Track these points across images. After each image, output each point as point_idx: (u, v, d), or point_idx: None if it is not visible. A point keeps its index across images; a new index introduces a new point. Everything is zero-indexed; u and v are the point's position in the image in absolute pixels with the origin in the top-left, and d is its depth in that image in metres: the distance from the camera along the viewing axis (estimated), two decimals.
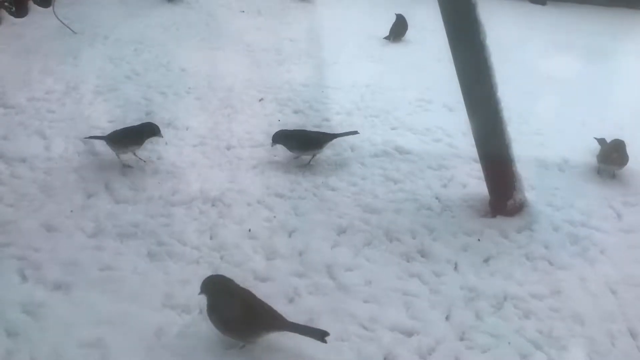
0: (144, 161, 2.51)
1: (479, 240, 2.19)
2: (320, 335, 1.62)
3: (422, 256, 2.11)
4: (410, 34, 4.71)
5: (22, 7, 4.20)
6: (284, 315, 1.67)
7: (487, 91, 2.07)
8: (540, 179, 2.61)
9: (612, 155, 2.65)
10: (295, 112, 3.20)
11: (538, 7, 6.32)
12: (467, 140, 2.43)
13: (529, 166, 2.64)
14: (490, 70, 2.04)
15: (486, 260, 2.10)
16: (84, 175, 2.42)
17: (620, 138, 2.78)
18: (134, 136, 2.47)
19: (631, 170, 2.75)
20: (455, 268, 2.06)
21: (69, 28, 3.94)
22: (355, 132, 2.75)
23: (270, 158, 2.69)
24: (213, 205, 2.28)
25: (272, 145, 2.62)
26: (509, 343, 1.78)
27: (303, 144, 2.62)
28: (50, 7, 4.10)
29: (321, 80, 3.67)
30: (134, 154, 2.51)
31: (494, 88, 2.08)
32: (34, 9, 4.26)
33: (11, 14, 4.11)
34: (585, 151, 2.90)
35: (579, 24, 5.71)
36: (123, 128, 2.55)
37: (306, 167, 2.62)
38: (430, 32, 4.09)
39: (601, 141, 2.83)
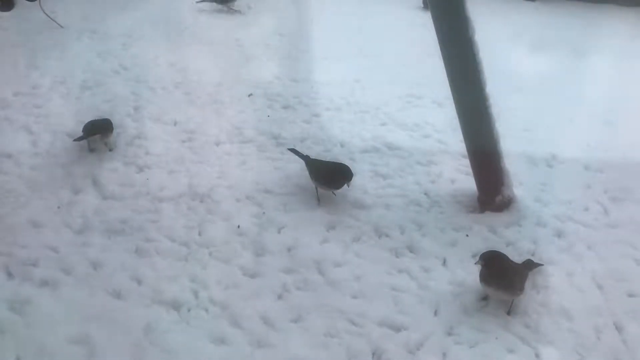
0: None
1: (467, 235, 2.20)
2: None
3: (411, 251, 2.11)
4: (401, 29, 4.72)
5: (9, 0, 4.14)
6: None
7: (476, 87, 2.07)
8: (528, 175, 2.62)
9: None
10: (285, 107, 3.19)
11: (528, 3, 6.34)
12: (456, 135, 2.43)
13: (518, 162, 2.65)
14: (479, 66, 2.04)
15: (474, 256, 2.10)
16: (71, 171, 2.40)
17: None
18: None
19: (618, 165, 2.77)
20: (444, 263, 2.07)
21: (56, 22, 3.90)
22: None
23: (260, 154, 2.68)
24: (201, 201, 2.27)
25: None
26: (497, 338, 1.79)
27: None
28: (37, 1, 4.04)
29: (311, 76, 3.66)
30: None
31: (483, 84, 2.08)
32: (21, 2, 4.19)
33: None
34: (573, 147, 2.92)
35: (568, 20, 5.73)
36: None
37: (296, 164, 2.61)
38: (420, 26, 4.07)
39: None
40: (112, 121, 2.65)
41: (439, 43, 2.06)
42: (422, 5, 5.46)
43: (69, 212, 2.15)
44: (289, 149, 2.57)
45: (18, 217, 2.10)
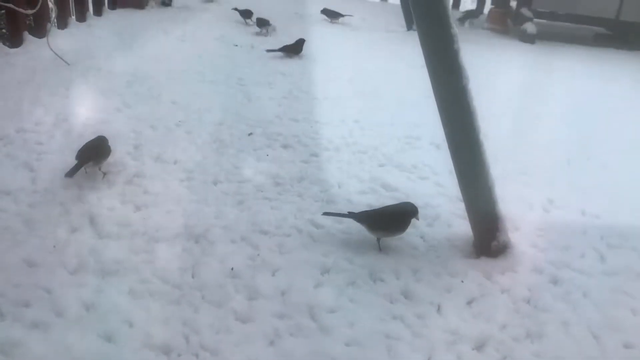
0: None
1: (462, 281, 2.19)
2: None
3: (406, 297, 2.10)
4: (400, 70, 4.80)
5: (17, 37, 4.24)
6: None
7: (470, 135, 2.09)
8: (524, 220, 2.63)
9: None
10: (284, 146, 3.23)
11: (527, 45, 6.47)
12: (453, 178, 2.44)
13: (514, 206, 2.66)
14: (473, 114, 2.07)
15: (469, 303, 2.10)
16: (69, 209, 2.40)
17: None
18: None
19: (615, 210, 2.78)
20: (438, 310, 2.05)
21: (63, 59, 3.98)
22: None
23: (257, 193, 2.70)
24: (197, 242, 2.27)
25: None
26: None
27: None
28: (45, 38, 4.13)
29: (311, 115, 3.71)
30: None
31: (477, 131, 2.10)
32: (29, 39, 4.30)
33: (5, 44, 4.15)
34: (570, 191, 2.93)
35: (567, 63, 5.83)
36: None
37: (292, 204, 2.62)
38: (419, 68, 4.19)
39: None
40: (106, 139, 2.70)
41: (433, 90, 2.09)
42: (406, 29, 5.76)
43: (64, 251, 2.15)
44: (324, 214, 2.45)
45: (14, 255, 2.10)
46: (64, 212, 2.38)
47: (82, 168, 2.57)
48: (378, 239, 2.35)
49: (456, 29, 2.01)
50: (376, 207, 2.46)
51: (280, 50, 4.82)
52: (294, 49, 4.85)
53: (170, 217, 2.42)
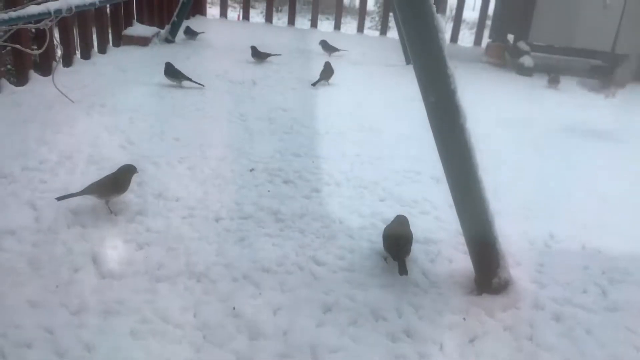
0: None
1: (464, 319, 2.18)
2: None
3: (408, 336, 2.09)
4: (400, 104, 4.87)
5: (23, 75, 4.32)
6: None
7: (468, 172, 2.12)
8: (525, 255, 2.63)
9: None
10: (286, 182, 3.25)
11: (525, 78, 6.56)
12: (453, 212, 2.45)
13: (515, 241, 2.67)
14: (471, 152, 2.10)
15: (472, 341, 2.09)
16: (72, 248, 2.42)
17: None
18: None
19: (616, 245, 2.78)
20: (441, 349, 2.04)
21: (67, 97, 4.04)
22: None
23: (259, 230, 2.71)
24: (198, 281, 2.28)
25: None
26: None
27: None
28: (50, 76, 4.21)
29: (312, 150, 3.75)
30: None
31: (475, 168, 2.13)
32: (34, 77, 4.38)
33: (11, 82, 4.23)
34: (571, 226, 2.94)
35: (565, 95, 5.90)
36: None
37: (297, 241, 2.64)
38: (419, 102, 4.24)
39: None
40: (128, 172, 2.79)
41: (432, 130, 2.13)
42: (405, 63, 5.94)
43: (67, 291, 2.15)
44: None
45: (16, 296, 2.11)
46: (67, 251, 2.39)
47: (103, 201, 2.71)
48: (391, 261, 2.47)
49: (452, 69, 2.05)
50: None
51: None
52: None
53: (172, 256, 2.43)
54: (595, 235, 2.84)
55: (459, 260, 2.56)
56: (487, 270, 2.31)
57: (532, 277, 2.48)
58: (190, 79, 4.76)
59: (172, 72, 4.74)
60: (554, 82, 6.00)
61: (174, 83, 4.77)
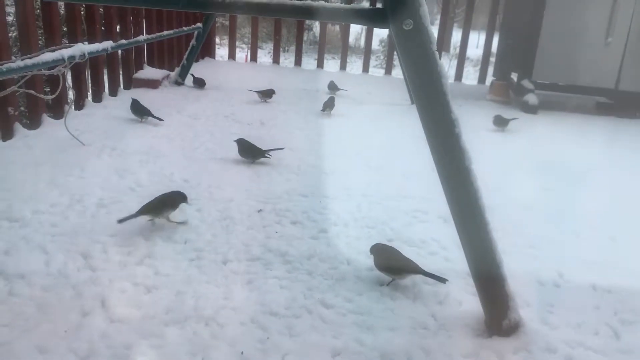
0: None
1: None
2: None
3: None
4: (406, 143, 4.91)
5: (36, 119, 4.42)
6: None
7: (475, 213, 2.13)
8: (535, 295, 2.61)
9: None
10: (293, 223, 3.27)
11: (530, 115, 6.62)
12: (461, 253, 2.44)
13: (524, 281, 2.66)
14: (477, 193, 2.11)
15: None
16: (81, 292, 2.43)
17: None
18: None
19: (627, 285, 2.76)
20: None
21: (78, 140, 4.12)
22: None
23: (266, 272, 2.71)
24: (206, 324, 2.27)
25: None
26: None
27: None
28: (62, 119, 4.31)
29: (319, 190, 3.78)
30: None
31: (482, 210, 2.14)
32: (46, 120, 4.48)
33: (24, 126, 4.33)
34: (580, 265, 2.92)
35: (570, 132, 5.94)
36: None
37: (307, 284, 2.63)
38: (424, 141, 4.28)
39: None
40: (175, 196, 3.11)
41: (437, 172, 2.15)
42: (410, 102, 6.06)
43: (75, 336, 2.15)
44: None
45: (25, 342, 2.11)
46: (77, 295, 2.40)
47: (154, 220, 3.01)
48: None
49: (456, 113, 2.09)
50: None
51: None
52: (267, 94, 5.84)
53: (180, 299, 2.43)
54: (605, 274, 2.82)
55: (468, 301, 2.54)
56: (497, 312, 2.29)
57: (543, 318, 2.45)
58: (152, 115, 4.92)
59: (137, 109, 4.91)
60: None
61: (138, 119, 4.95)
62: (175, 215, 3.10)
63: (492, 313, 2.32)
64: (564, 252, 3.07)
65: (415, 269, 2.64)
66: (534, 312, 2.48)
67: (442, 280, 2.61)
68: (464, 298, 2.59)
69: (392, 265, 2.67)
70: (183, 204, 3.17)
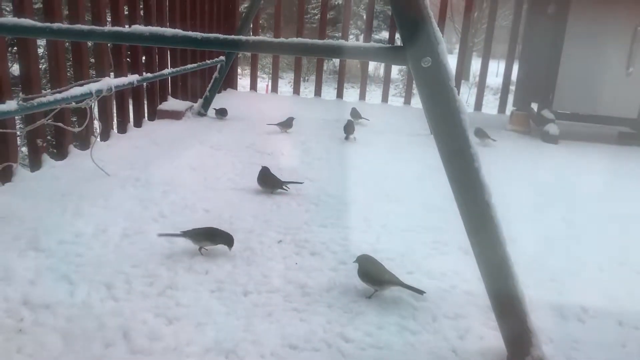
0: None
1: None
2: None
3: None
4: (425, 173, 4.92)
5: (63, 150, 4.55)
6: None
7: (496, 248, 2.12)
8: (558, 331, 2.57)
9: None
10: (313, 254, 3.28)
11: (551, 145, 6.57)
12: (482, 286, 2.43)
13: (546, 316, 2.62)
14: (498, 228, 2.11)
15: None
16: (104, 323, 2.46)
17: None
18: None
19: None
20: None
21: (103, 170, 4.22)
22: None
23: (286, 304, 2.72)
24: (226, 357, 2.28)
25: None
26: None
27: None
28: (88, 150, 4.42)
29: (338, 221, 3.79)
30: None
31: (503, 244, 2.13)
32: (73, 151, 4.61)
33: (52, 157, 4.45)
34: (604, 299, 2.87)
35: (593, 162, 5.88)
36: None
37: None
38: (444, 172, 4.28)
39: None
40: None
41: (457, 206, 2.16)
42: (429, 132, 6.16)
43: None
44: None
45: None
46: (100, 325, 2.44)
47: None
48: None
49: (476, 147, 2.11)
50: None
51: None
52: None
53: (200, 331, 2.45)
54: (630, 310, 2.77)
55: (490, 337, 2.51)
56: (520, 348, 2.26)
57: (566, 354, 2.41)
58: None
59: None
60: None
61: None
62: (211, 249, 3.17)
63: (515, 349, 2.29)
64: (586, 286, 3.02)
65: (394, 281, 2.80)
66: (558, 349, 2.44)
67: (419, 292, 2.78)
68: (485, 333, 2.56)
69: (372, 275, 2.83)
70: (222, 245, 3.17)
